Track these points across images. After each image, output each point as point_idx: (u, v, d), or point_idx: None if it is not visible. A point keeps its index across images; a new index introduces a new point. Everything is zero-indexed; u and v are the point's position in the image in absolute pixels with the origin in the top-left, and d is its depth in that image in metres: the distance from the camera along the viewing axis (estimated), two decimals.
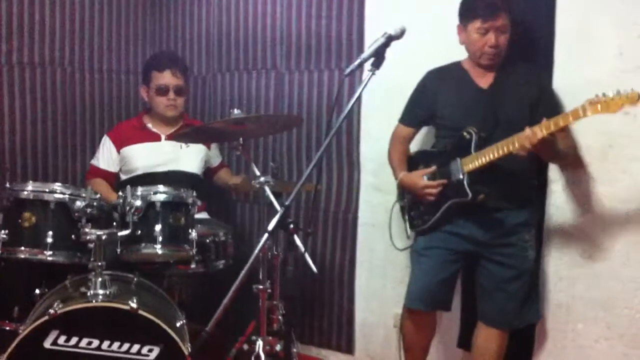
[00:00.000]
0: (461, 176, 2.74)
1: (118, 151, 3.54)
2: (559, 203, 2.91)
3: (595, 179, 2.81)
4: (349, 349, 3.67)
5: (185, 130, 3.34)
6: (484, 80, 2.84)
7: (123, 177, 3.57)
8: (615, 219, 2.77)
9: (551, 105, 2.76)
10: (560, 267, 2.93)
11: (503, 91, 2.78)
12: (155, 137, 3.58)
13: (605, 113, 2.33)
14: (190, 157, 3.58)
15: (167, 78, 3.51)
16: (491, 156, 2.64)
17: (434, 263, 2.91)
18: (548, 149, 2.56)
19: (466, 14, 2.79)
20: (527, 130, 2.49)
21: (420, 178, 2.88)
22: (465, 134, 2.75)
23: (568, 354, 2.93)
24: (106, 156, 3.55)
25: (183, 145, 3.53)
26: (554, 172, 2.92)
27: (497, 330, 2.88)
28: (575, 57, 2.83)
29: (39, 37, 3.61)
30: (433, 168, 2.86)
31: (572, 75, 2.83)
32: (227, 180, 3.64)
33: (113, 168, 3.55)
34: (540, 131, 2.46)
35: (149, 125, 3.60)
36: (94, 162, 3.59)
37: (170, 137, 3.54)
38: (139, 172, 3.51)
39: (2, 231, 2.66)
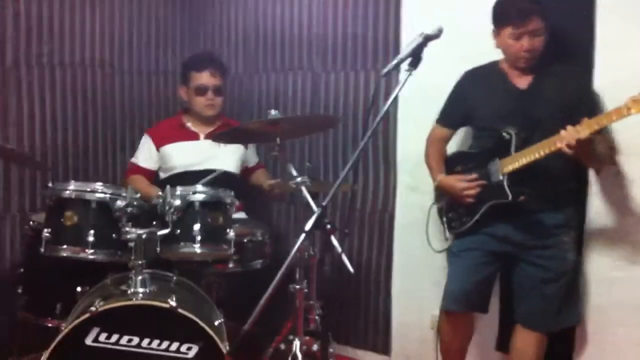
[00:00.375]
0: (501, 177, 2.71)
1: (157, 149, 3.58)
2: (599, 205, 2.87)
3: (636, 180, 2.77)
4: (385, 349, 3.66)
5: (223, 131, 3.37)
6: (522, 81, 2.81)
7: (162, 175, 3.62)
8: None
9: (592, 106, 2.72)
10: (601, 270, 2.89)
11: (542, 92, 2.75)
12: (194, 136, 3.62)
13: None
14: (227, 156, 3.60)
15: (205, 78, 3.55)
16: (531, 157, 2.61)
17: (470, 264, 2.90)
18: (586, 150, 2.51)
19: (498, 20, 2.76)
20: (570, 129, 2.46)
21: (459, 180, 2.86)
22: (504, 134, 2.72)
23: (608, 358, 2.89)
24: (146, 154, 3.60)
25: (221, 144, 3.56)
26: (593, 175, 2.88)
27: (535, 333, 2.84)
28: (615, 59, 2.79)
29: (80, 39, 3.68)
30: (473, 176, 2.83)
31: (610, 78, 2.78)
32: (263, 183, 3.67)
33: (152, 166, 3.60)
34: (583, 130, 2.43)
35: (188, 125, 3.65)
36: (133, 160, 3.64)
37: (208, 137, 3.58)
38: (178, 171, 3.56)
39: (45, 230, 2.70)
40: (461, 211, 2.90)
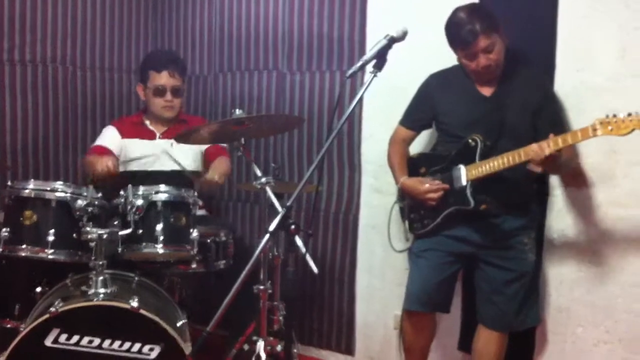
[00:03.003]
0: (464, 184, 2.73)
1: (122, 138, 3.53)
2: (559, 207, 2.92)
3: (597, 183, 2.81)
4: (349, 350, 3.67)
5: (187, 130, 3.34)
6: (487, 87, 2.82)
7: (121, 168, 3.55)
8: (616, 223, 2.78)
9: (553, 111, 2.76)
10: (561, 271, 2.94)
11: (506, 98, 2.76)
12: (151, 135, 3.57)
13: (616, 135, 2.33)
14: (185, 154, 3.55)
15: (164, 79, 3.49)
16: (495, 166, 2.63)
17: (432, 265, 2.91)
18: (551, 163, 2.54)
19: (450, 45, 2.78)
20: (535, 146, 2.49)
21: (422, 183, 2.87)
22: (470, 141, 2.74)
23: (567, 358, 2.94)
24: (109, 139, 3.50)
25: (174, 142, 3.49)
26: (554, 177, 2.92)
27: (496, 333, 2.87)
28: (577, 61, 2.83)
29: (41, 35, 3.62)
30: (437, 182, 2.82)
31: (573, 80, 2.83)
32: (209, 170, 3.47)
33: (115, 149, 3.48)
34: (547, 147, 2.46)
35: (146, 123, 3.60)
36: (97, 142, 3.52)
37: (164, 136, 3.54)
38: (133, 167, 3.50)
39: (4, 229, 2.65)
40: (423, 213, 2.92)
